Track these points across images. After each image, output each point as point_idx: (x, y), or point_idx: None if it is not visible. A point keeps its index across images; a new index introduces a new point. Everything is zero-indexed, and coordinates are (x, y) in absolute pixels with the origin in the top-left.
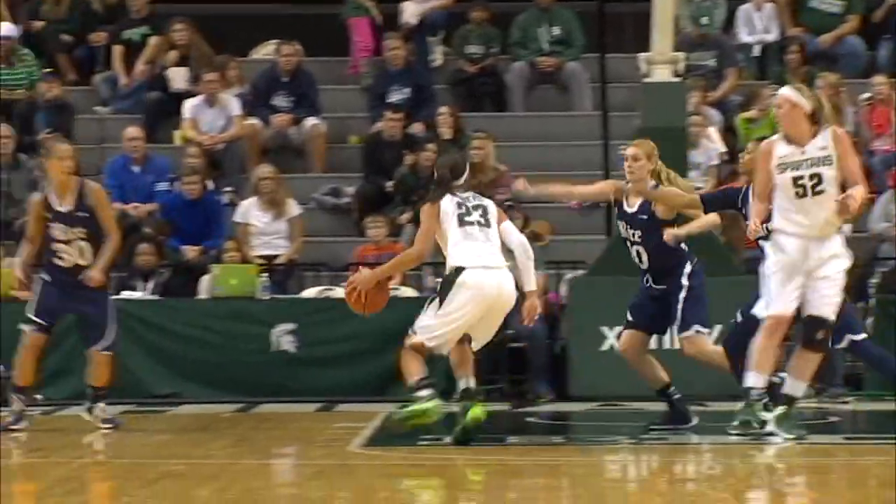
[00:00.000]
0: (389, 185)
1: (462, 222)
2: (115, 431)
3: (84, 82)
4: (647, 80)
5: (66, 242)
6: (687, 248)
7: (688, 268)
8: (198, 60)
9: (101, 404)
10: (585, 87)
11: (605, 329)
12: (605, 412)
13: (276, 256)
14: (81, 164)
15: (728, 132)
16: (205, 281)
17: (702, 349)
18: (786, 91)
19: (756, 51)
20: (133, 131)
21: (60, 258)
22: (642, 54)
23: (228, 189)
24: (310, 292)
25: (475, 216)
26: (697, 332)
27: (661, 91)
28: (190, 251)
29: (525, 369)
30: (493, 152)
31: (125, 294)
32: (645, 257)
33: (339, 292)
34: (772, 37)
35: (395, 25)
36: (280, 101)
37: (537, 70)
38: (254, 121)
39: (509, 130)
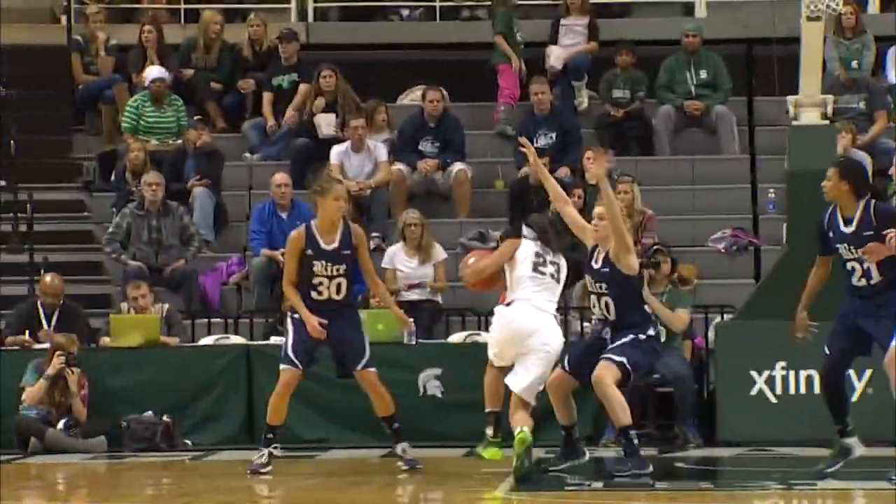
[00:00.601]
0: None
1: (535, 268)
2: (413, 474)
3: (233, 129)
4: (795, 122)
5: (329, 278)
6: (653, 317)
7: (651, 330)
8: (344, 107)
9: (403, 444)
10: (733, 130)
11: (753, 373)
12: (754, 457)
13: (423, 301)
14: (229, 211)
15: (877, 175)
16: None
17: (604, 378)
18: None
19: None
20: (280, 178)
21: (319, 292)
22: (790, 97)
23: (375, 234)
24: (456, 337)
25: (549, 269)
26: (610, 358)
27: (810, 134)
28: None
29: (673, 414)
30: (639, 195)
31: (274, 339)
32: (612, 309)
33: (485, 337)
34: None
35: (541, 70)
36: (426, 146)
37: (684, 113)
38: (400, 166)
39: (657, 174)
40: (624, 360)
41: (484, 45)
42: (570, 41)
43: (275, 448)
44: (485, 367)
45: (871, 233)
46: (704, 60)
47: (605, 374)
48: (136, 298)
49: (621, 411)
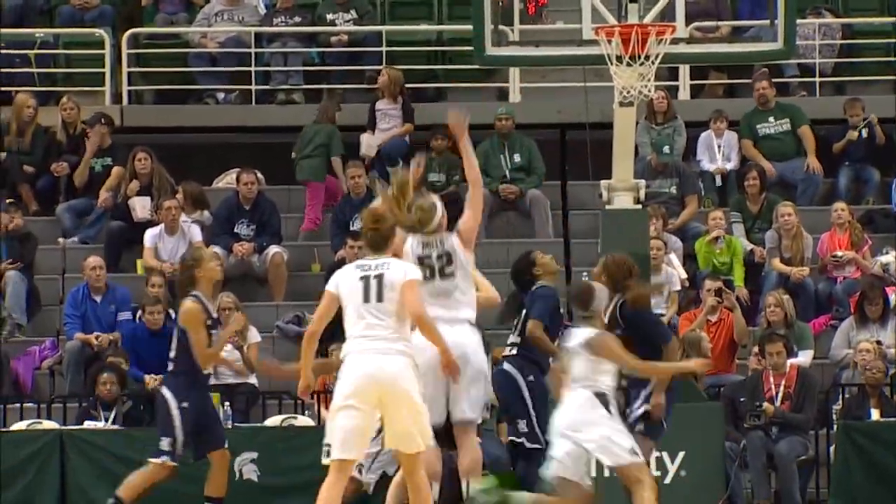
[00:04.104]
0: None
1: None
2: None
3: (46, 213)
4: (608, 206)
5: None
6: None
7: None
8: (160, 189)
9: None
10: (547, 214)
11: None
12: None
13: (239, 384)
14: (42, 294)
15: (688, 258)
16: None
17: None
18: None
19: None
20: (94, 261)
21: None
22: (604, 181)
23: None
24: (273, 420)
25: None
26: None
27: (622, 218)
28: (151, 380)
29: None
30: None
31: (88, 424)
32: None
33: (301, 420)
34: (732, 165)
35: (358, 153)
36: (242, 229)
37: (499, 197)
38: (216, 249)
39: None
40: None
41: (299, 129)
42: (387, 125)
43: None
44: (302, 451)
45: (619, 332)
46: (518, 144)
47: None
48: None
49: None
